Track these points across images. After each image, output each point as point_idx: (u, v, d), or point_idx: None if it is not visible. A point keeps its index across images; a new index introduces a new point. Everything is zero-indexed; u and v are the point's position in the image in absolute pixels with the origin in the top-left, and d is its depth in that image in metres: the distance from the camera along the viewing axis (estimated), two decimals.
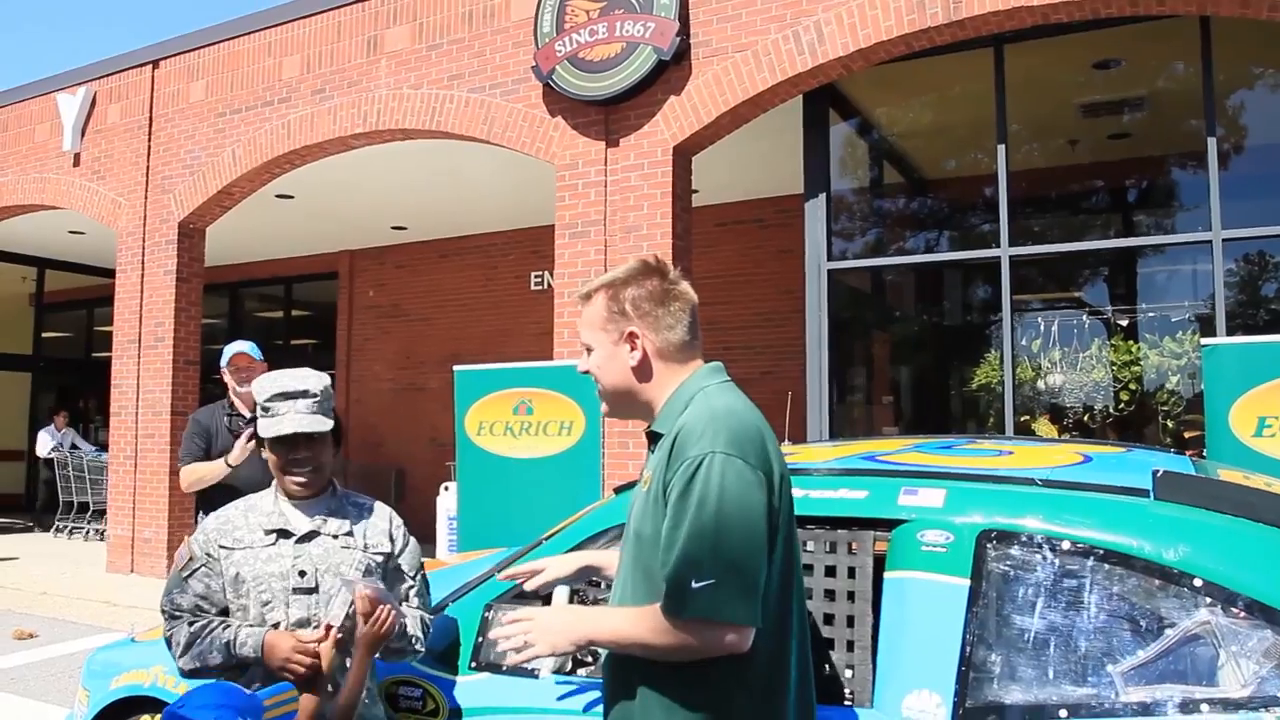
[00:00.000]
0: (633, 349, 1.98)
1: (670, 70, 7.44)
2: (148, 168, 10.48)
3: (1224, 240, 6.22)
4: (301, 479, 2.58)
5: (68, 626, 8.02)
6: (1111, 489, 2.38)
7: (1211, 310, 6.29)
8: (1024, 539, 2.31)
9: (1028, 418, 7.42)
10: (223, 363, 4.93)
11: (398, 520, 2.76)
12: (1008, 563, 2.31)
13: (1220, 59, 6.55)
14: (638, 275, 1.99)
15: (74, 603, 8.86)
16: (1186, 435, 6.83)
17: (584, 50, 7.63)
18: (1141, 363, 7.37)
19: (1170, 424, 7.20)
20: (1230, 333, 6.07)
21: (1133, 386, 7.35)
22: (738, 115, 7.42)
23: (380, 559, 2.64)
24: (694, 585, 1.70)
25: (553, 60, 7.75)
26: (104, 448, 12.24)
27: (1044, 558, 2.29)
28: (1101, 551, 2.23)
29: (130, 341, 10.36)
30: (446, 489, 8.54)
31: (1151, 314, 7.87)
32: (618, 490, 3.04)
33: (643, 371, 1.98)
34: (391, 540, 2.69)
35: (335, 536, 2.59)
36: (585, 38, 7.63)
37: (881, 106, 8.46)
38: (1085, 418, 7.40)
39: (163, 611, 2.55)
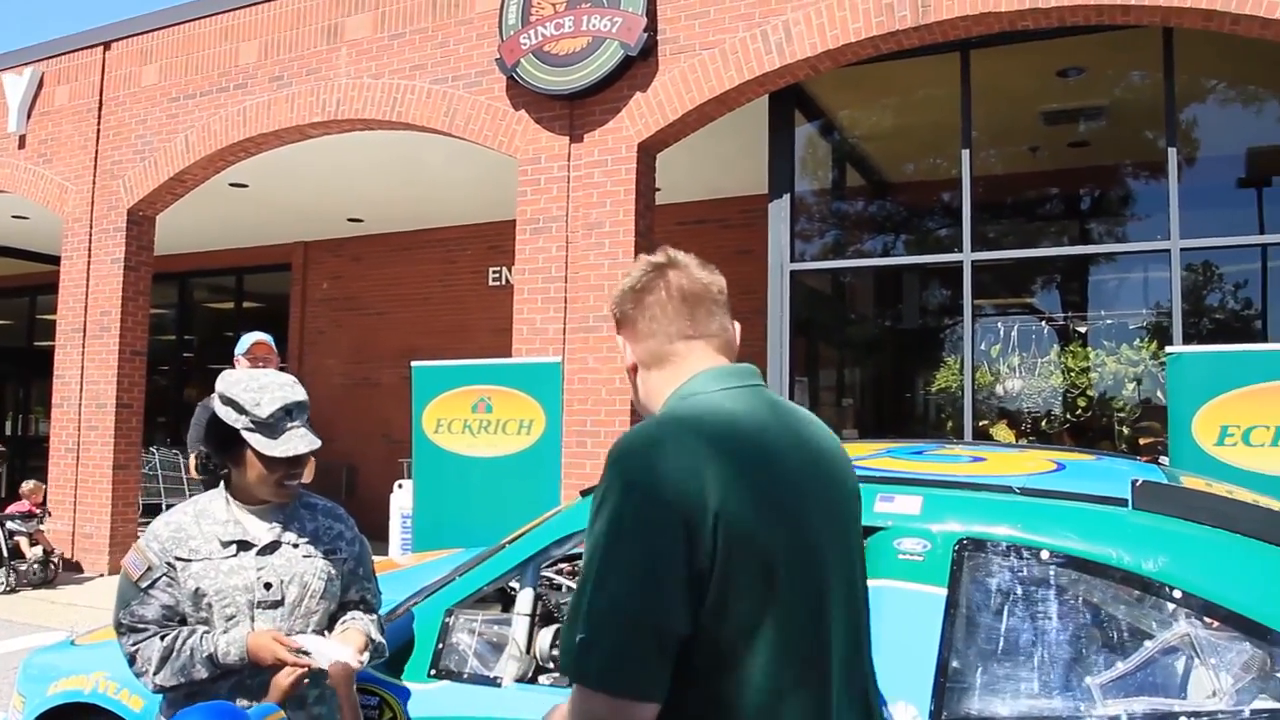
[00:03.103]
0: (631, 359, 1.69)
1: (636, 66, 7.37)
2: (97, 152, 10.19)
3: (1182, 249, 6.28)
4: (292, 490, 2.48)
5: (3, 625, 7.77)
6: (1089, 498, 2.34)
7: (1168, 318, 6.36)
8: (1002, 548, 2.27)
9: (986, 422, 7.45)
10: (239, 351, 4.84)
11: (350, 521, 2.68)
12: (986, 572, 2.27)
13: (1180, 70, 6.62)
14: (632, 279, 1.69)
15: (9, 599, 8.60)
16: (1142, 442, 6.91)
17: (549, 44, 7.53)
18: (1099, 369, 7.43)
19: (1126, 430, 7.27)
20: (1186, 341, 6.14)
21: (1090, 393, 7.41)
22: (704, 113, 7.37)
23: (339, 563, 2.56)
24: (575, 639, 1.37)
25: (517, 53, 7.64)
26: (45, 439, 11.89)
27: (1022, 567, 2.25)
28: (1081, 561, 2.20)
29: (74, 331, 10.07)
30: (400, 486, 8.40)
31: (1109, 321, 7.95)
32: (584, 494, 2.95)
33: (644, 391, 1.68)
34: (348, 543, 2.61)
35: (296, 545, 2.48)
36: (551, 31, 7.53)
37: (847, 108, 8.46)
38: (1043, 423, 7.45)
39: (119, 625, 2.38)
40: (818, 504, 1.51)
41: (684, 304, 1.64)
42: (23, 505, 9.51)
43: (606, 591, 1.36)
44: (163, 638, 2.32)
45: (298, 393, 2.46)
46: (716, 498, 1.38)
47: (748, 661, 1.39)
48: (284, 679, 2.30)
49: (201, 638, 2.33)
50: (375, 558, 2.81)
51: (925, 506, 2.39)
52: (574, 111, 7.63)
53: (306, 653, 2.32)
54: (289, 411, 2.41)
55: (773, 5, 7.00)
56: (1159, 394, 7.14)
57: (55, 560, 9.27)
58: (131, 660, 2.35)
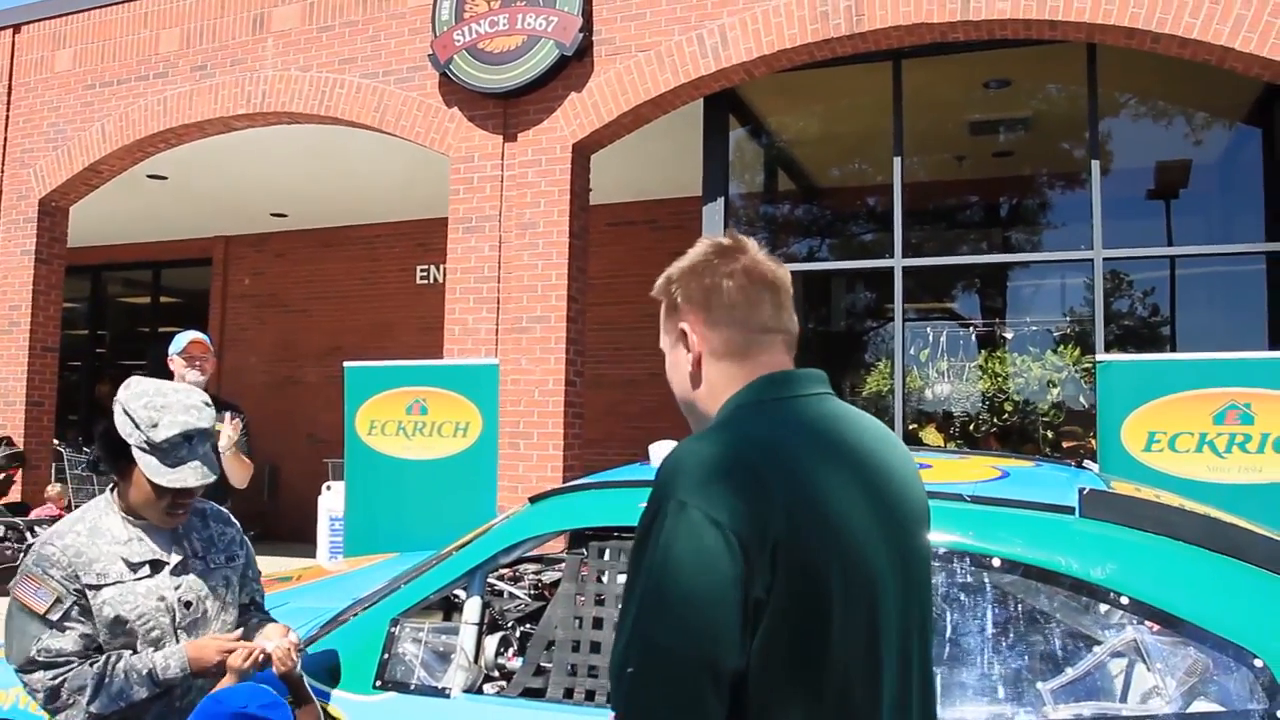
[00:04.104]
0: (687, 349, 1.54)
1: (572, 66, 7.33)
2: (5, 139, 9.78)
3: (1104, 259, 6.48)
4: (178, 519, 2.36)
5: None
6: (1037, 505, 2.39)
7: (1089, 325, 6.55)
8: (955, 555, 2.30)
9: (915, 426, 7.59)
10: (173, 350, 4.61)
11: (235, 521, 2.62)
12: (938, 579, 2.30)
13: (1102, 85, 6.83)
14: (697, 259, 1.55)
15: None
16: (1065, 445, 7.11)
17: (483, 41, 7.44)
18: (1024, 375, 7.63)
19: (1050, 434, 7.47)
20: (1107, 348, 6.33)
21: (1016, 397, 7.60)
22: (639, 115, 7.37)
23: (238, 569, 2.51)
24: (626, 670, 1.28)
25: (450, 49, 7.54)
26: None
27: (974, 575, 2.28)
28: (1031, 569, 2.24)
29: None
30: (329, 488, 8.23)
31: (1034, 327, 8.16)
32: (533, 500, 2.92)
33: (698, 377, 1.54)
34: (240, 546, 2.56)
35: (201, 557, 2.41)
36: (485, 28, 7.45)
37: (781, 114, 8.54)
38: (970, 426, 7.62)
39: (32, 663, 2.20)
40: (881, 533, 1.39)
41: (766, 291, 1.53)
42: (49, 509, 9.12)
43: (661, 623, 1.27)
44: (92, 664, 2.20)
45: (203, 418, 2.31)
46: (777, 525, 1.29)
47: (792, 703, 1.30)
48: (237, 660, 2.26)
49: (135, 657, 2.23)
50: (302, 562, 2.77)
51: None
52: (508, 110, 7.57)
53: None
54: (189, 438, 2.27)
55: (709, 9, 7.03)
56: (1080, 399, 7.36)
57: None
58: (52, 696, 2.19)
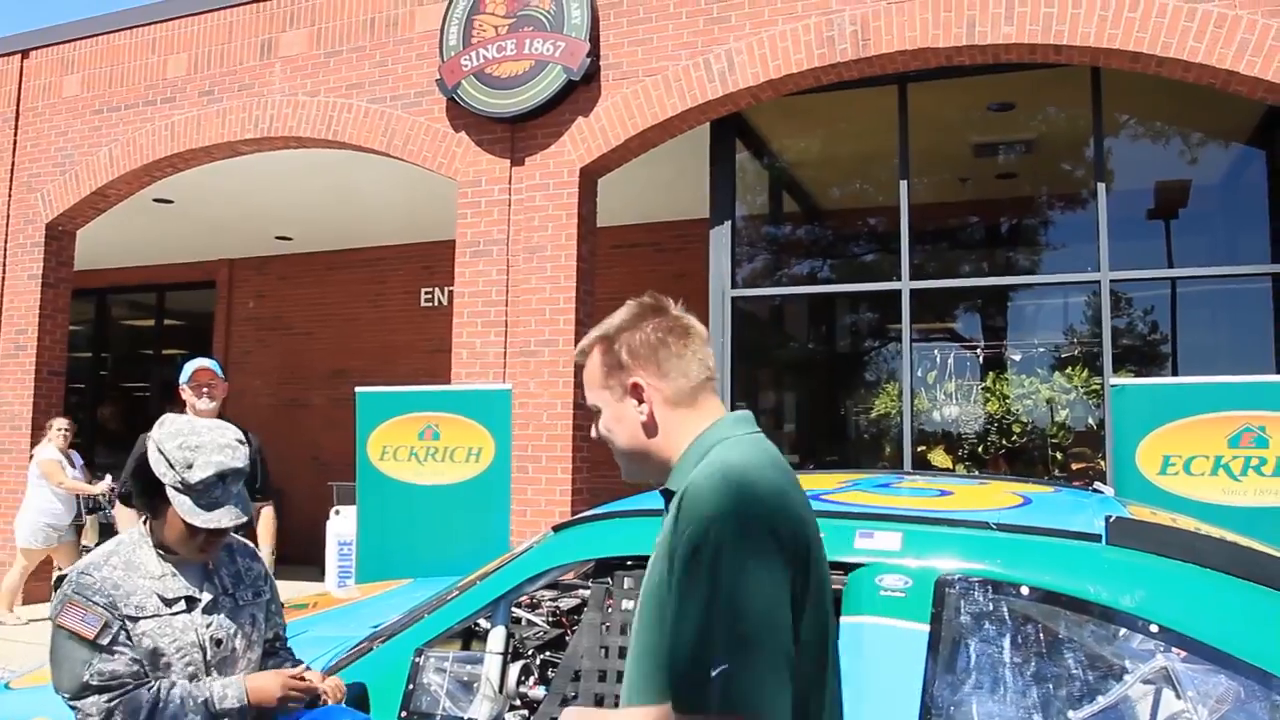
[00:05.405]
0: (640, 402, 1.72)
1: (579, 91, 7.38)
2: (13, 164, 9.82)
3: (1111, 280, 6.50)
4: (212, 555, 2.40)
5: None
6: (1063, 533, 2.40)
7: (1095, 346, 6.57)
8: (983, 584, 2.30)
9: (924, 448, 7.59)
10: (182, 379, 4.63)
11: (260, 556, 2.66)
12: (967, 608, 2.30)
13: (1107, 108, 6.87)
14: (632, 319, 1.75)
15: None
16: (1074, 466, 7.11)
17: (491, 66, 7.49)
18: (1033, 396, 7.64)
19: (1059, 456, 7.48)
20: (1116, 369, 6.35)
21: (1024, 419, 7.61)
22: (646, 139, 7.41)
23: (264, 604, 2.54)
24: (711, 674, 1.42)
25: (458, 74, 7.59)
26: None
27: (1003, 603, 2.29)
28: (1059, 597, 2.25)
29: None
30: (338, 513, 8.20)
31: (1041, 349, 8.17)
32: (556, 529, 2.93)
33: (653, 426, 1.72)
34: (265, 580, 2.59)
35: (230, 594, 2.43)
36: (493, 53, 7.50)
37: (786, 137, 8.58)
38: (979, 448, 7.62)
39: (86, 688, 2.20)
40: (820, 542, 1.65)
41: (696, 341, 1.74)
42: None
43: (746, 621, 1.43)
44: (148, 688, 2.22)
45: (237, 458, 2.33)
46: (805, 533, 1.56)
47: (817, 690, 1.57)
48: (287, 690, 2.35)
49: (191, 684, 2.25)
50: (315, 587, 2.82)
51: (905, 543, 2.42)
52: (515, 134, 7.61)
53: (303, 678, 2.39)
54: (223, 478, 2.28)
55: (715, 34, 7.08)
56: (1089, 421, 7.37)
57: None
58: (106, 718, 2.20)
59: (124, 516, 4.30)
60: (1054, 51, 6.36)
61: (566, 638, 3.42)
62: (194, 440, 2.28)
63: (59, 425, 8.55)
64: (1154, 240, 8.19)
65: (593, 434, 1.84)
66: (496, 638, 2.77)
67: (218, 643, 2.34)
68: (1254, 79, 5.91)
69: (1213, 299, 8.07)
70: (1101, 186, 6.64)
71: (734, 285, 7.46)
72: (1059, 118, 8.08)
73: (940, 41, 6.46)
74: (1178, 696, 2.13)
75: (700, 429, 1.70)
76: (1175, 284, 8.13)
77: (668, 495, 1.71)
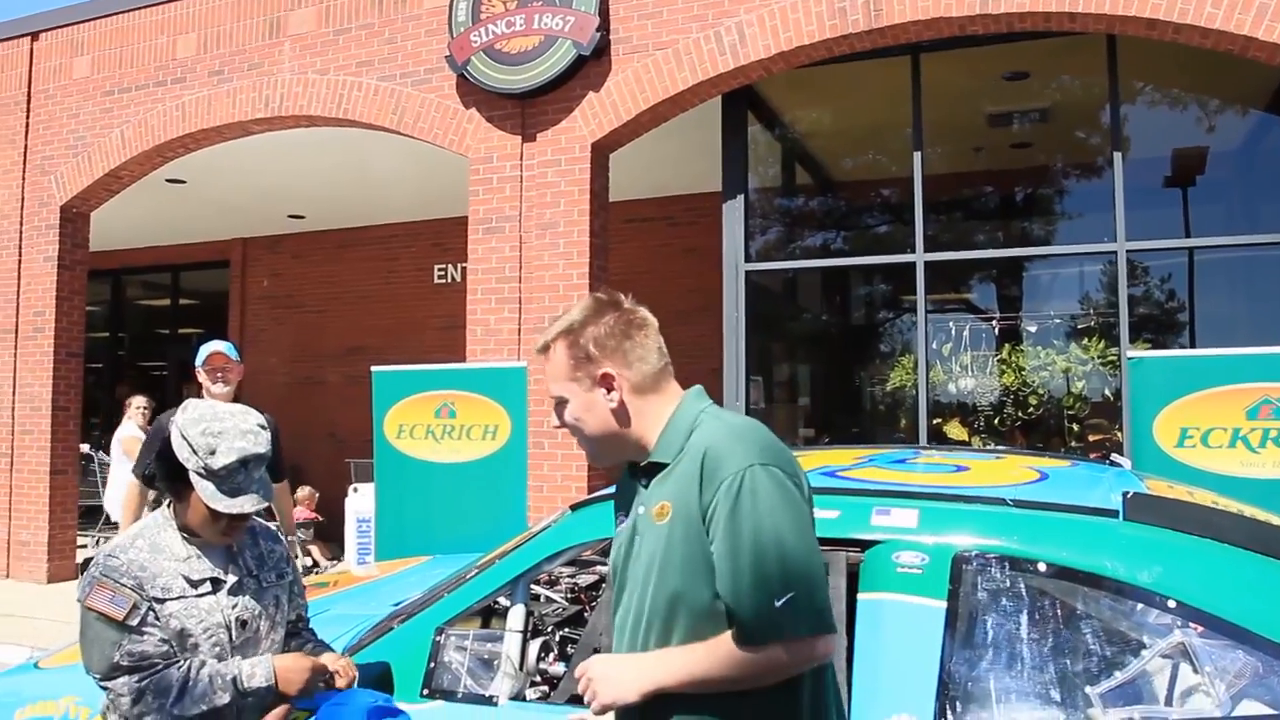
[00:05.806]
0: (609, 390, 1.85)
1: (589, 66, 7.33)
2: (25, 147, 9.84)
3: (1128, 250, 6.45)
4: (236, 538, 2.43)
5: None
6: (1081, 509, 2.40)
7: (1111, 317, 6.53)
8: (1000, 560, 2.31)
9: (939, 420, 7.59)
10: (197, 362, 4.69)
11: (282, 538, 2.69)
12: (984, 585, 2.31)
13: (1122, 76, 6.79)
14: (592, 314, 1.88)
15: None
16: (1091, 439, 7.10)
17: (500, 42, 7.46)
18: (1049, 368, 7.61)
19: (1076, 428, 7.46)
20: (1132, 340, 6.31)
21: (1040, 391, 7.58)
22: (657, 113, 7.37)
23: (287, 586, 2.56)
24: (776, 605, 1.64)
25: (468, 51, 7.56)
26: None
27: (1020, 580, 2.30)
28: (1077, 573, 2.25)
29: (6, 332, 9.72)
30: (356, 490, 8.26)
31: (1056, 320, 8.13)
32: (573, 508, 2.94)
33: (623, 412, 1.85)
34: (287, 562, 2.61)
35: (254, 575, 2.46)
36: (502, 29, 7.46)
37: (799, 109, 8.52)
38: (995, 420, 7.61)
39: (116, 668, 2.23)
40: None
41: (651, 331, 1.91)
42: (303, 511, 9.29)
43: (800, 555, 1.67)
44: (176, 667, 2.25)
45: (259, 443, 2.33)
46: (804, 475, 1.82)
47: None
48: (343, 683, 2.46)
49: (220, 663, 2.29)
50: (333, 565, 2.86)
51: (922, 520, 2.42)
52: (526, 110, 7.58)
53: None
54: (245, 463, 2.30)
55: (726, 7, 7.02)
56: (1105, 392, 7.34)
57: (322, 569, 8.94)
58: (137, 698, 2.23)
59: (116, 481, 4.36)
60: (1068, 19, 6.28)
61: (585, 614, 3.46)
62: (217, 426, 2.30)
63: (138, 404, 8.57)
64: (1171, 209, 8.12)
65: (553, 423, 1.95)
66: (516, 615, 2.80)
67: (243, 624, 2.36)
68: (1273, 44, 5.83)
69: (1231, 268, 8.01)
70: (1118, 155, 6.58)
71: (748, 259, 7.44)
72: (1074, 86, 8.00)
73: (953, 11, 6.39)
74: (1195, 671, 2.14)
75: (670, 409, 1.87)
76: (1193, 253, 8.07)
77: (650, 469, 1.86)
